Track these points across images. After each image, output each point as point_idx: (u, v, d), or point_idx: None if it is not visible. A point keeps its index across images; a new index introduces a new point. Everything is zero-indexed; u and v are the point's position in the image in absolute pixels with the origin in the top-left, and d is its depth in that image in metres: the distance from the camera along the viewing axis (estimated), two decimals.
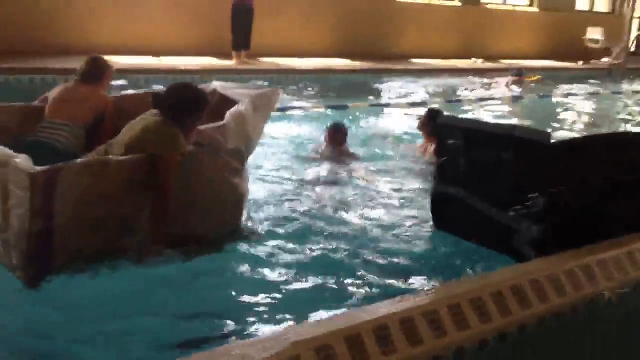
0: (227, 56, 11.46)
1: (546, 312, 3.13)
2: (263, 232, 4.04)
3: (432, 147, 5.60)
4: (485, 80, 12.92)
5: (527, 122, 8.51)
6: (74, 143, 3.91)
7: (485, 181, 3.85)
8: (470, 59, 15.04)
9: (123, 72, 9.69)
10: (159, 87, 4.49)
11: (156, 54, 11.24)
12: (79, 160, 3.34)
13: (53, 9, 10.71)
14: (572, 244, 3.63)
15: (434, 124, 4.91)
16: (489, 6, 16.59)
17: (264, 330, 2.73)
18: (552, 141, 3.72)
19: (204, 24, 12.03)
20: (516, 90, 11.73)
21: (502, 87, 12.08)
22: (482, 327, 2.88)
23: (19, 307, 3.16)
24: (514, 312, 3.01)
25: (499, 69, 14.78)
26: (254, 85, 4.86)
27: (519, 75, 12.54)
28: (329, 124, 6.14)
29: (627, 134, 4.96)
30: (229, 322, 3.04)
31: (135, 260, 3.35)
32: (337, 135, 5.92)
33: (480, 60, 14.92)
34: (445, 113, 5.89)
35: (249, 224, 4.08)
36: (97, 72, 4.25)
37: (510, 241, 3.69)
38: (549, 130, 7.95)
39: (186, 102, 3.62)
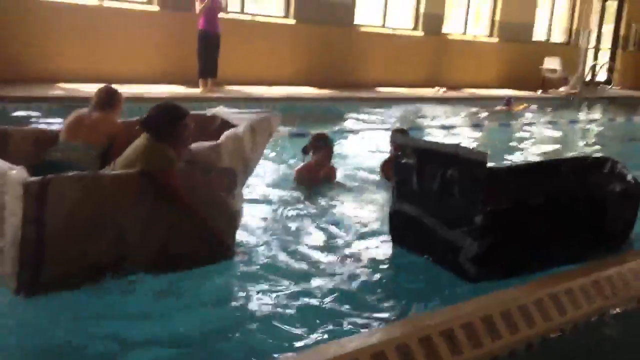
0: (194, 84, 11.40)
1: (516, 343, 3.15)
2: (251, 254, 4.06)
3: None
4: (473, 109, 13.39)
5: (487, 149, 8.62)
6: (90, 163, 4.07)
7: (434, 199, 4.00)
8: (433, 87, 15.28)
9: (88, 100, 9.60)
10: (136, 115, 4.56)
11: (122, 81, 11.11)
12: (70, 173, 3.44)
13: (17, 38, 10.50)
14: (509, 261, 3.80)
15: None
16: (449, 36, 16.92)
17: None
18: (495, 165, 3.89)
19: (170, 52, 11.93)
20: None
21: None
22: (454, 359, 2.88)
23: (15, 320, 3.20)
24: (484, 343, 3.01)
25: (462, 97, 15.08)
26: (256, 110, 4.89)
27: (508, 104, 13.32)
28: (314, 138, 6.04)
29: (564, 160, 5.15)
30: (188, 354, 2.97)
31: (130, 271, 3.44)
32: (329, 148, 5.95)
33: (442, 90, 15.17)
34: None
35: (241, 244, 4.13)
36: (108, 100, 4.52)
37: (457, 258, 3.81)
38: (509, 157, 8.19)
39: (166, 118, 3.79)
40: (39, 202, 3.15)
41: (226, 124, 4.46)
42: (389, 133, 6.36)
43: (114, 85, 4.76)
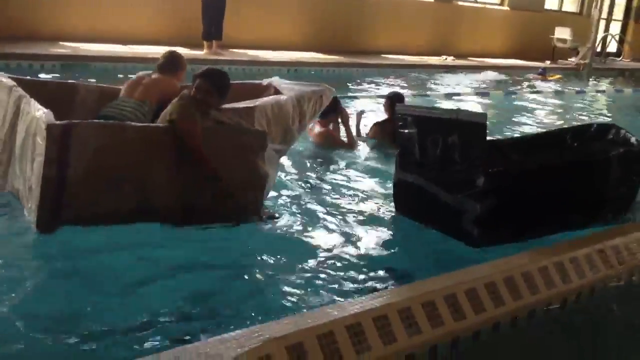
0: (198, 46, 11.27)
1: (519, 310, 3.13)
2: (276, 219, 4.06)
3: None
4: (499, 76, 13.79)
5: (491, 118, 8.54)
6: (140, 118, 4.11)
7: (436, 165, 3.99)
8: (441, 56, 15.08)
9: (92, 60, 9.54)
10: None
11: (125, 42, 11.00)
12: (96, 120, 3.59)
13: None
14: (512, 225, 3.79)
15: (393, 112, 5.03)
16: (460, 3, 16.66)
17: (238, 324, 2.67)
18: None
19: (175, 13, 11.76)
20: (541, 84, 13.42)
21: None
22: (455, 325, 2.86)
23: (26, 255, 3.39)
24: (487, 309, 3.00)
25: (469, 66, 14.92)
26: (310, 83, 4.95)
27: (543, 73, 14.31)
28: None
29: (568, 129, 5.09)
30: (202, 310, 3.01)
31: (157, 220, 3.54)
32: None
33: (450, 58, 14.97)
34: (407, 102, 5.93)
35: (268, 208, 4.14)
36: (171, 63, 4.61)
37: (460, 222, 3.81)
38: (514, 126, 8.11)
39: (210, 85, 3.86)
40: (62, 144, 3.28)
41: (279, 94, 4.55)
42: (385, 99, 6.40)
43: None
